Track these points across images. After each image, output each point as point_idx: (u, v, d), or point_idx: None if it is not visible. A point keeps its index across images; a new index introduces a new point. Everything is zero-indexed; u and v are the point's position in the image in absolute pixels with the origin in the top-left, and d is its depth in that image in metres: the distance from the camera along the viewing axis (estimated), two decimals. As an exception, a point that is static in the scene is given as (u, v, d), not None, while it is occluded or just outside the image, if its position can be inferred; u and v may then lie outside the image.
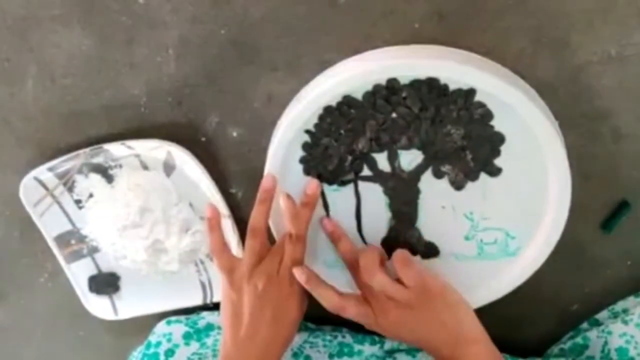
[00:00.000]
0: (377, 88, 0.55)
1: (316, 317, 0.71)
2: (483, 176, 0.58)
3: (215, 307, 0.71)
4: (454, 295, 0.58)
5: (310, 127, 0.58)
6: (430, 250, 0.62)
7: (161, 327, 0.70)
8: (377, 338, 0.69)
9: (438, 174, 0.59)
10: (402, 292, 0.56)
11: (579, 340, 0.67)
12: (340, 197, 0.60)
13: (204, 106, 0.62)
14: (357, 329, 0.71)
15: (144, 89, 0.62)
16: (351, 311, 0.58)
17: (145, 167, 0.65)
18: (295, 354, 0.66)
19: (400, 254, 0.58)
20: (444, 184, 0.59)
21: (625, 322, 0.64)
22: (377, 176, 0.60)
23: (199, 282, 0.70)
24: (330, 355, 0.67)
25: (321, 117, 0.57)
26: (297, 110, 0.57)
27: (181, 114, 0.63)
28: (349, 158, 0.59)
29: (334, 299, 0.58)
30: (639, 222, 0.64)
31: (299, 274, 0.58)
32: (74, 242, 0.69)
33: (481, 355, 0.56)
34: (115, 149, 0.63)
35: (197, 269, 0.69)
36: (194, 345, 0.67)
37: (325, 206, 0.61)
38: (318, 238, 0.63)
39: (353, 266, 0.60)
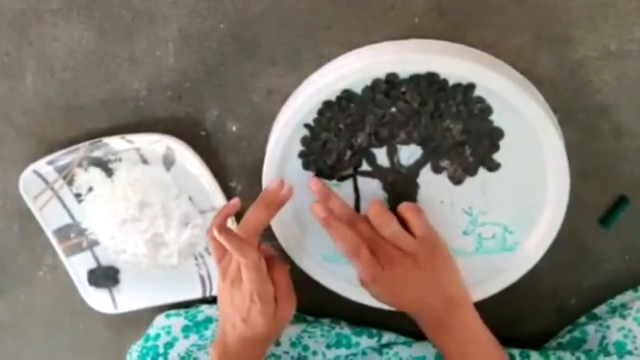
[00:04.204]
0: (376, 82, 0.55)
1: (314, 311, 0.71)
2: (482, 171, 0.58)
3: (214, 300, 0.71)
4: (449, 253, 0.59)
5: (310, 121, 0.58)
6: (429, 245, 0.62)
7: (160, 320, 0.70)
8: (374, 331, 0.70)
9: (437, 169, 0.59)
10: (411, 240, 0.57)
11: (577, 334, 0.67)
12: (340, 193, 0.60)
13: (204, 100, 0.63)
14: (355, 321, 0.71)
15: (144, 83, 0.62)
16: (364, 255, 0.56)
17: (144, 161, 0.65)
18: (293, 344, 0.67)
19: (410, 203, 0.58)
20: (442, 178, 0.59)
21: (624, 317, 0.64)
22: (376, 171, 0.60)
23: (198, 275, 0.70)
24: (328, 346, 0.68)
25: (320, 112, 0.57)
26: (296, 104, 0.57)
27: (181, 108, 0.63)
28: (348, 153, 0.59)
29: (352, 238, 0.56)
30: (637, 217, 0.64)
31: (319, 211, 0.57)
32: (74, 235, 0.69)
33: (472, 320, 0.57)
34: (115, 142, 0.64)
35: (196, 263, 0.69)
36: (193, 337, 0.67)
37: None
38: (316, 232, 0.63)
39: (351, 224, 0.57)
